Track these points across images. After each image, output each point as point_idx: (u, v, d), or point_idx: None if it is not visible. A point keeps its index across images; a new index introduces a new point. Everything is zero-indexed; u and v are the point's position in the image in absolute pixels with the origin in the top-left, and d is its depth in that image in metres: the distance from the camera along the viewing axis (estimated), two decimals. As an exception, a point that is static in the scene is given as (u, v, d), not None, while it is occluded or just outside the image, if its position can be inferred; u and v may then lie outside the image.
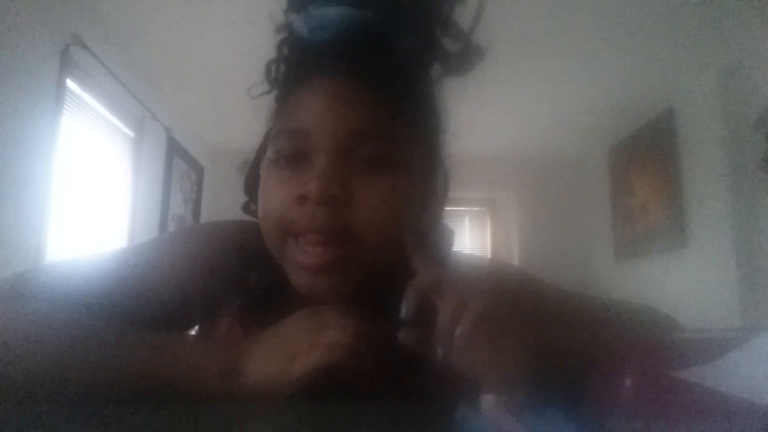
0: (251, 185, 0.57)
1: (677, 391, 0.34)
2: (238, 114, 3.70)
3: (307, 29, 0.47)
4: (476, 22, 0.49)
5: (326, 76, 0.48)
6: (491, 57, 0.51)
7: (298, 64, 0.51)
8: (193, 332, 0.61)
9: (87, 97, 2.51)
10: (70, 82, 2.31)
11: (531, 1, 2.35)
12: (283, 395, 0.43)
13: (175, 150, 3.55)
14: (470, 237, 4.54)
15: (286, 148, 0.49)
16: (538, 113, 3.60)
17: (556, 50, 2.78)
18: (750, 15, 2.42)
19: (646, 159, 3.47)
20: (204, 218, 4.06)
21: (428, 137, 0.54)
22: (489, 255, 4.47)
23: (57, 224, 2.23)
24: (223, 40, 2.73)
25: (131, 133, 3.01)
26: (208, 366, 0.44)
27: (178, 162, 3.63)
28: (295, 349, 0.44)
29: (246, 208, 0.59)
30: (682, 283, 3.07)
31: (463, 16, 0.50)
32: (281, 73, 0.53)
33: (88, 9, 2.41)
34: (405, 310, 0.43)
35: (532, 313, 0.45)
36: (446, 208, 0.57)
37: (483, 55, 0.50)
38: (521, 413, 0.40)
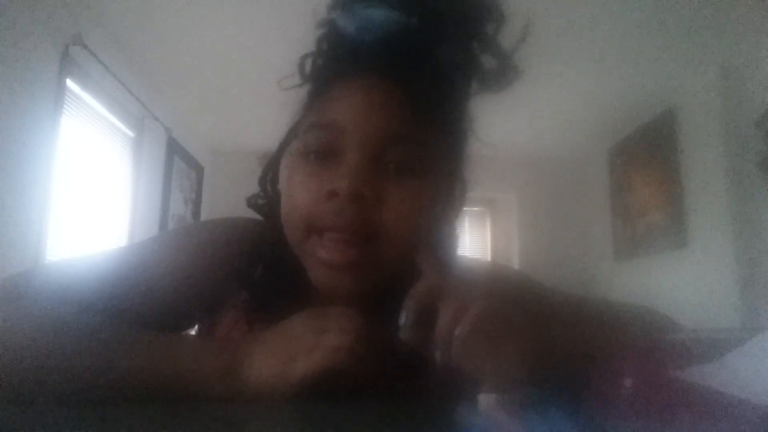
0: (268, 178, 0.57)
1: (677, 391, 0.34)
2: (238, 114, 3.71)
3: (354, 27, 0.47)
4: (520, 43, 0.51)
5: (366, 74, 0.48)
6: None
7: (338, 60, 0.51)
8: (193, 331, 0.61)
9: (87, 97, 2.50)
10: (70, 82, 2.31)
11: (531, 1, 2.35)
12: (283, 396, 0.43)
13: (175, 150, 3.55)
14: (470, 237, 4.54)
15: (318, 141, 0.49)
16: (538, 113, 3.60)
17: (556, 50, 2.78)
18: (750, 15, 2.41)
19: (646, 159, 3.47)
20: (204, 218, 4.06)
21: (456, 148, 0.54)
22: (489, 255, 4.47)
23: (57, 224, 2.23)
24: (223, 40, 2.73)
25: (131, 133, 3.01)
26: (209, 366, 0.44)
27: (178, 162, 3.63)
28: (296, 350, 0.44)
29: (252, 202, 0.58)
30: (682, 283, 3.07)
31: (502, 35, 0.51)
32: (317, 67, 0.53)
33: (88, 9, 2.41)
34: (404, 318, 0.43)
35: (532, 315, 0.45)
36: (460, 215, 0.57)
37: (519, 75, 0.51)
38: (521, 413, 0.40)
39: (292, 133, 0.55)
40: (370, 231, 0.46)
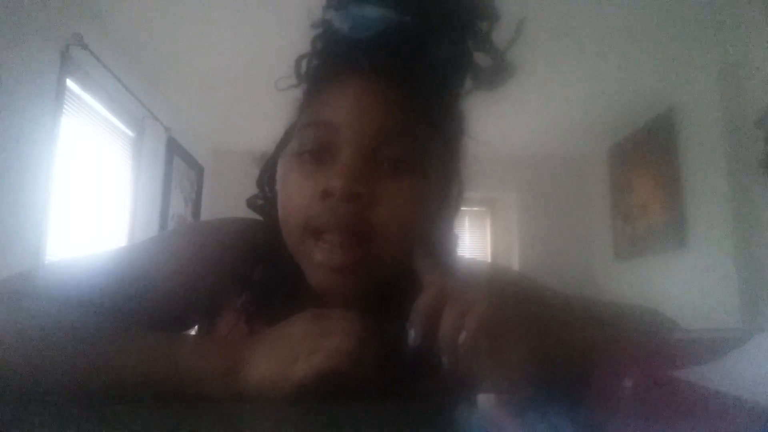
0: (265, 179, 0.57)
1: (677, 391, 0.34)
2: (238, 114, 3.71)
3: (347, 26, 0.47)
4: (513, 42, 0.51)
5: (360, 73, 0.48)
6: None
7: (333, 59, 0.51)
8: (193, 332, 0.61)
9: (87, 97, 2.50)
10: (70, 82, 2.31)
11: (531, 1, 2.35)
12: (282, 397, 0.43)
13: (175, 150, 3.55)
14: (470, 237, 4.54)
15: (313, 140, 0.48)
16: (538, 113, 3.60)
17: (556, 50, 2.78)
18: (750, 15, 2.41)
19: (646, 159, 3.47)
20: (204, 218, 4.06)
21: (451, 146, 0.54)
22: (489, 255, 4.47)
23: (57, 224, 2.23)
24: (223, 41, 2.73)
25: (131, 133, 3.01)
26: (210, 365, 0.44)
27: (178, 162, 3.63)
28: (296, 352, 0.44)
29: (251, 203, 0.58)
30: (682, 283, 3.07)
31: (498, 34, 0.51)
32: (312, 67, 0.53)
33: (88, 9, 2.41)
34: (413, 336, 0.43)
35: (533, 316, 0.45)
36: (458, 215, 0.57)
37: (514, 72, 0.51)
38: (521, 414, 0.40)
39: (289, 134, 0.54)
40: (365, 231, 0.46)
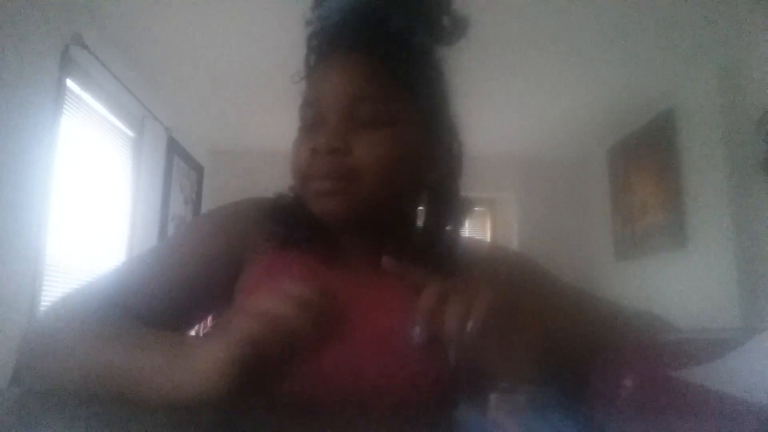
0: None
1: (677, 391, 0.34)
2: (238, 114, 3.71)
3: (327, 17, 0.59)
4: None
5: (336, 53, 0.60)
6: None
7: (320, 48, 0.62)
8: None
9: (87, 97, 2.51)
10: (70, 82, 2.31)
11: (531, 1, 2.35)
12: (227, 390, 0.40)
13: (175, 150, 3.55)
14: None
15: (306, 116, 0.61)
16: (537, 113, 3.60)
17: (556, 50, 2.78)
18: (750, 15, 2.41)
19: (646, 159, 3.47)
20: (204, 218, 4.05)
21: (427, 97, 0.62)
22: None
23: (57, 224, 2.23)
24: (223, 41, 2.73)
25: (131, 133, 3.02)
26: (161, 367, 0.44)
27: (178, 162, 3.63)
28: (232, 333, 0.42)
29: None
30: (682, 283, 3.07)
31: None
32: (308, 59, 0.63)
33: (88, 9, 2.41)
34: (417, 336, 0.43)
35: (538, 303, 0.46)
36: (463, 164, 0.65)
37: (468, 24, 0.59)
38: (521, 414, 0.40)
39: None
40: (346, 174, 0.56)
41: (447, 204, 0.63)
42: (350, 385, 0.51)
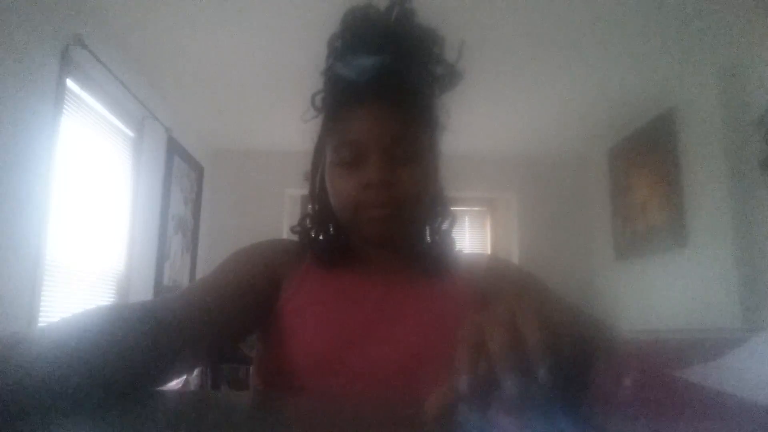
0: (316, 187, 0.79)
1: (677, 391, 0.34)
2: (238, 114, 3.71)
3: (354, 73, 0.69)
4: (459, 58, 0.73)
5: (367, 102, 0.70)
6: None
7: (344, 95, 0.72)
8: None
9: (87, 97, 2.51)
10: (70, 82, 2.31)
11: (531, 1, 2.36)
12: None
13: (175, 150, 3.55)
14: (470, 237, 4.54)
15: (348, 154, 0.71)
16: (538, 113, 3.60)
17: (556, 51, 2.79)
18: (750, 15, 2.42)
19: (646, 159, 3.47)
20: (204, 218, 4.06)
21: (435, 138, 0.76)
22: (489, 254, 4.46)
23: (57, 224, 2.23)
24: (223, 41, 2.73)
25: (131, 133, 3.02)
26: None
27: (178, 162, 3.63)
28: None
29: (296, 225, 0.80)
30: (682, 283, 3.07)
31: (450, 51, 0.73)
32: (328, 102, 0.74)
33: (88, 9, 2.41)
34: (465, 381, 0.40)
35: (548, 310, 0.46)
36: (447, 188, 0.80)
37: (462, 76, 0.73)
38: (522, 414, 0.40)
39: (319, 152, 0.77)
40: (393, 202, 0.69)
41: (445, 220, 0.79)
42: (378, 382, 0.60)
